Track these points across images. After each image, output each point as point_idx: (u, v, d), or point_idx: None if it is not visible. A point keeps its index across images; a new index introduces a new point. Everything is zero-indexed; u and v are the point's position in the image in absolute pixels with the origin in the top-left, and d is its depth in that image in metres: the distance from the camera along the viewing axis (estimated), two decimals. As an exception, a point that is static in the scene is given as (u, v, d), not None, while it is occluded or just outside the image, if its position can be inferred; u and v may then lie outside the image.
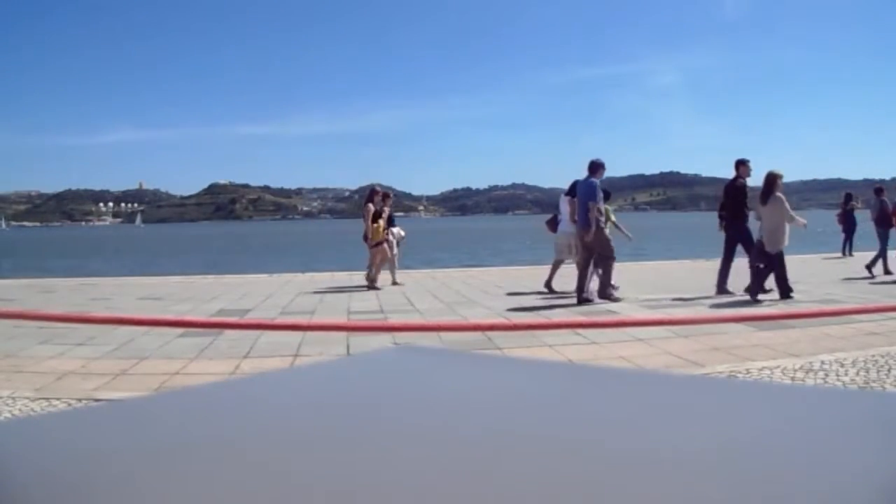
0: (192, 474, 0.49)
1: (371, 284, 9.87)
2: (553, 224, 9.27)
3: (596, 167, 7.99)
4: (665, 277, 10.99)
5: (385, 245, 9.90)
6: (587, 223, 7.72)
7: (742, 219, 8.43)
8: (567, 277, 8.84)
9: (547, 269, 9.39)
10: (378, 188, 10.29)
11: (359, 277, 10.54)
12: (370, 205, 9.88)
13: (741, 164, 8.54)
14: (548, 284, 8.99)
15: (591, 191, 7.77)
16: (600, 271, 7.99)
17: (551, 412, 0.63)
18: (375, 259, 9.92)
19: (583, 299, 7.75)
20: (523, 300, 8.32)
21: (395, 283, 10.14)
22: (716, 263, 8.94)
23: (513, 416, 0.62)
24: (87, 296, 9.63)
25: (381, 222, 9.89)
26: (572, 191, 8.58)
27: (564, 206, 8.90)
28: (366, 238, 9.93)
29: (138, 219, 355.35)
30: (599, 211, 7.81)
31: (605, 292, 7.84)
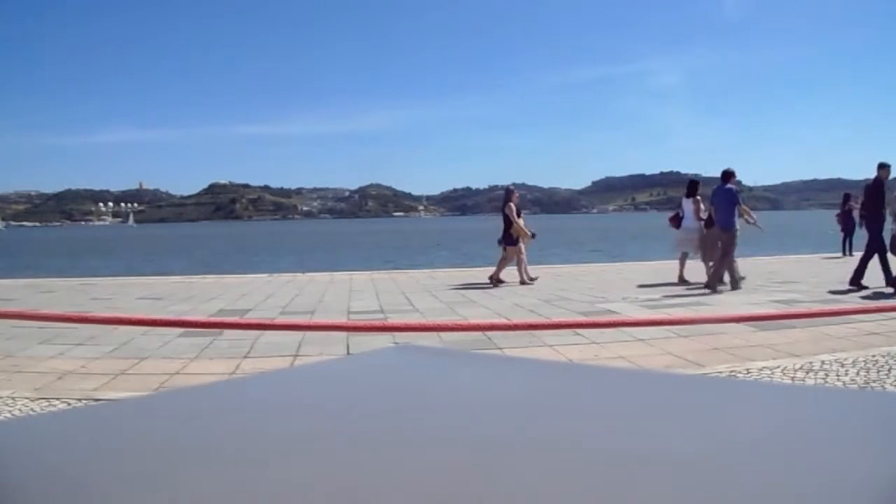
0: (192, 474, 0.49)
1: (496, 281, 10.05)
2: (676, 221, 10.05)
3: (729, 175, 9.14)
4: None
5: (521, 244, 10.16)
6: (729, 224, 8.88)
7: (881, 218, 8.94)
8: (692, 270, 9.91)
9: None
10: (513, 187, 10.60)
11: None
12: (511, 204, 10.14)
13: (883, 168, 8.98)
14: (681, 277, 9.79)
15: (734, 196, 9.00)
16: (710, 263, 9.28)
17: (551, 412, 0.63)
18: (512, 257, 10.14)
19: (714, 288, 8.72)
20: (666, 290, 9.03)
21: (524, 281, 10.15)
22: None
23: (513, 415, 0.62)
24: (87, 296, 9.63)
25: (522, 221, 10.21)
26: (692, 191, 9.87)
27: (688, 206, 9.85)
28: (505, 238, 10.13)
29: (130, 219, 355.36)
30: (746, 211, 9.15)
31: (713, 283, 8.88)
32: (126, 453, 0.53)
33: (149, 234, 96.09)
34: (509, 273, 10.34)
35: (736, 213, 8.96)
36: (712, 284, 8.86)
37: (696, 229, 9.67)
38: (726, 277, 9.08)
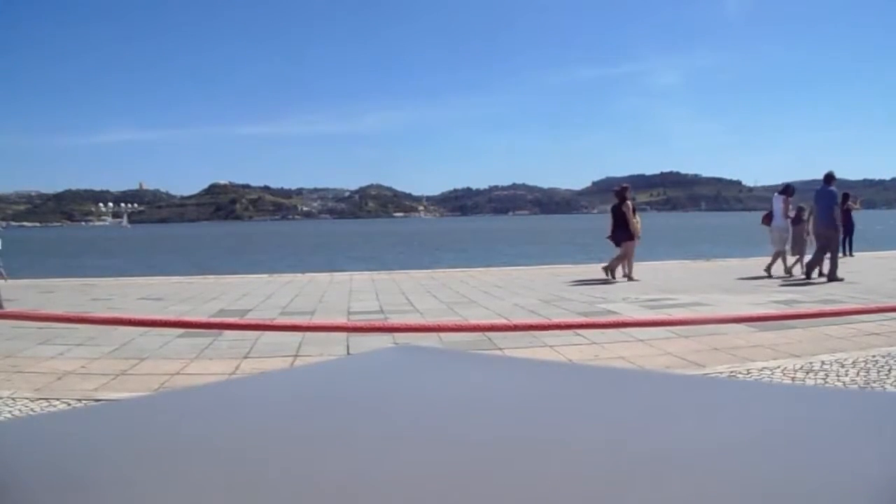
0: (192, 474, 0.49)
1: (611, 276, 10.49)
2: (768, 219, 11.01)
3: (831, 178, 10.01)
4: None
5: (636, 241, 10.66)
6: (831, 222, 9.78)
7: None
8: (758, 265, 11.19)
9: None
10: (627, 185, 11.13)
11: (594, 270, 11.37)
12: (628, 202, 10.59)
13: None
14: (767, 270, 10.68)
15: (835, 197, 10.01)
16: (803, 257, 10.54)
17: (551, 412, 0.63)
18: (628, 253, 10.54)
19: (835, 279, 9.68)
20: (769, 283, 9.99)
21: (630, 276, 10.56)
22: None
23: (512, 415, 0.62)
24: (87, 296, 9.63)
25: (639, 217, 10.66)
26: (786, 191, 10.88)
27: (778, 204, 10.78)
28: (621, 234, 10.50)
29: (124, 219, 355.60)
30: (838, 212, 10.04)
31: (833, 273, 9.87)
32: (126, 453, 0.53)
33: (141, 235, 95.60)
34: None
35: (836, 212, 9.86)
36: (832, 276, 9.77)
37: (784, 227, 10.67)
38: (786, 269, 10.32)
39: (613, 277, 10.49)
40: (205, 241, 59.28)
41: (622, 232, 10.45)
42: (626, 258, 10.59)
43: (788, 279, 10.35)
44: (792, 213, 10.75)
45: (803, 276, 10.18)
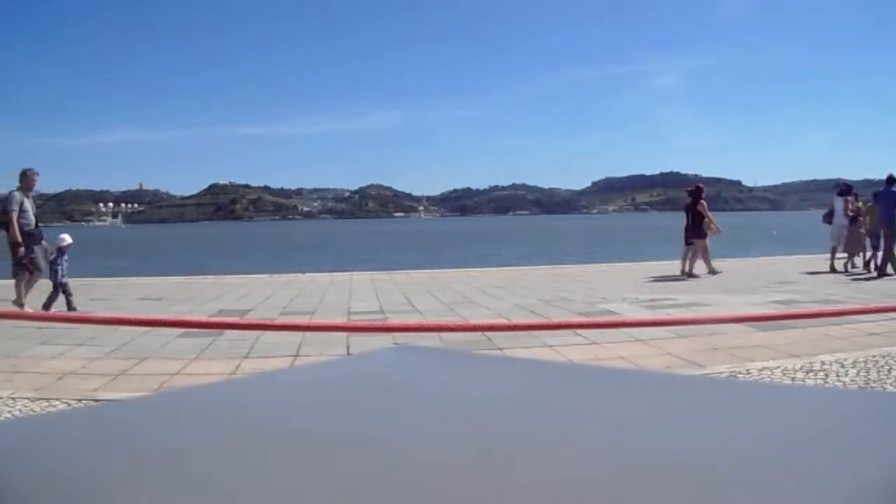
0: (192, 474, 0.49)
1: (690, 273, 10.79)
2: (829, 217, 11.69)
3: (893, 180, 10.54)
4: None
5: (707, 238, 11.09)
6: (892, 219, 10.31)
7: None
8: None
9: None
10: (702, 185, 11.56)
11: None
12: (703, 201, 11.06)
13: None
14: (832, 267, 11.27)
15: (893, 198, 10.51)
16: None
17: (551, 412, 0.63)
18: (697, 250, 10.94)
19: (885, 274, 10.25)
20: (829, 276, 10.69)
21: (713, 271, 10.93)
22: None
23: (513, 416, 0.62)
24: (87, 296, 9.62)
25: (713, 216, 11.09)
26: (844, 191, 11.58)
27: (838, 204, 11.42)
28: (695, 232, 10.92)
29: (120, 219, 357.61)
30: None
31: (886, 268, 10.42)
32: (126, 453, 0.53)
33: (135, 235, 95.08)
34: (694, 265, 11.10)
35: (894, 212, 10.39)
36: (883, 271, 10.30)
37: (844, 225, 11.26)
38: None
39: (692, 275, 10.72)
40: (204, 241, 59.16)
41: (696, 230, 10.89)
42: (702, 254, 10.94)
43: (847, 275, 10.84)
44: (851, 212, 11.23)
45: (867, 273, 10.83)
